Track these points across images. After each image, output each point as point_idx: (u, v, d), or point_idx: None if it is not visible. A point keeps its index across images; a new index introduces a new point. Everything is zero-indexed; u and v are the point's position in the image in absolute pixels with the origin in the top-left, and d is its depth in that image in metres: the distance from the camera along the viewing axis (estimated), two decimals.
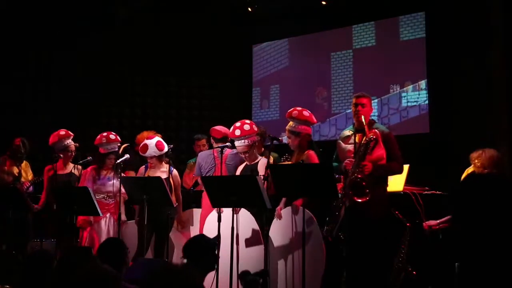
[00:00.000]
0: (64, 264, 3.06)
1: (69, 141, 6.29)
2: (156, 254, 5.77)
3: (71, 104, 8.86)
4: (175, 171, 6.01)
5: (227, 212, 5.17)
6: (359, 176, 4.49)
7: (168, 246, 5.68)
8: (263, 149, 6.10)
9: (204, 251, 3.65)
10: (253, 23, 9.18)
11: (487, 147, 5.11)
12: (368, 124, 4.70)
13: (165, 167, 5.90)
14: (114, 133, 6.14)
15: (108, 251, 3.60)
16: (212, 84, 9.44)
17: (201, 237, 4.09)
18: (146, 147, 5.85)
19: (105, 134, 6.08)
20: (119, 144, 6.19)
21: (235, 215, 5.02)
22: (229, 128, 5.71)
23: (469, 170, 5.12)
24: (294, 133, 5.29)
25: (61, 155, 6.28)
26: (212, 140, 6.06)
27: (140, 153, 5.92)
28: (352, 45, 8.48)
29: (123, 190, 5.75)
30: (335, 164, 4.94)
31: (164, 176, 5.70)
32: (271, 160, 5.60)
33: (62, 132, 6.29)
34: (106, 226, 5.88)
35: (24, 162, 6.98)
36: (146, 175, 5.88)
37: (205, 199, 5.79)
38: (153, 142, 5.86)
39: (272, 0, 8.78)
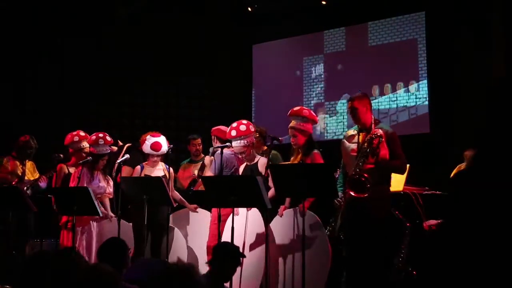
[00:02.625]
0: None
1: (85, 143, 6.31)
2: (153, 254, 5.77)
3: (71, 104, 8.86)
4: (171, 168, 6.05)
5: (242, 212, 5.24)
6: (359, 173, 4.45)
7: (168, 245, 5.68)
8: (265, 147, 6.09)
9: (228, 260, 3.59)
10: (253, 23, 9.18)
11: None
12: (371, 124, 4.64)
13: (160, 164, 5.99)
14: (108, 135, 6.15)
15: (109, 251, 3.59)
16: (212, 84, 9.43)
17: (229, 246, 3.94)
18: (160, 145, 5.88)
19: (101, 134, 6.06)
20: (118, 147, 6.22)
21: (234, 216, 5.02)
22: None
23: (461, 166, 5.12)
24: (301, 131, 5.27)
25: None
26: (216, 141, 5.97)
27: (154, 151, 5.89)
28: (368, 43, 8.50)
29: (109, 190, 6.04)
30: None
31: (162, 173, 5.85)
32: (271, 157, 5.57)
33: (82, 133, 6.29)
34: (94, 226, 5.94)
35: (30, 162, 6.97)
36: (143, 174, 5.90)
37: None
38: (164, 141, 5.92)
39: (272, 0, 8.79)
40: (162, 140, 5.93)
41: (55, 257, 3.18)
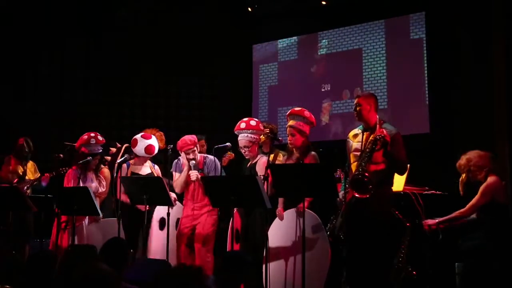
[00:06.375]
0: (67, 263, 3.06)
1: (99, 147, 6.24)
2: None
3: (71, 104, 8.87)
4: (156, 166, 6.07)
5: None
6: (362, 173, 4.45)
7: (168, 245, 5.68)
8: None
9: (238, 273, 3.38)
10: (253, 23, 9.18)
11: (469, 151, 5.08)
12: (375, 124, 4.61)
13: (148, 162, 5.99)
14: (100, 135, 6.10)
15: (110, 251, 3.58)
16: (212, 84, 9.43)
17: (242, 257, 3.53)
18: (154, 148, 5.86)
19: (92, 134, 5.99)
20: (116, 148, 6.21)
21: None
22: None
23: (463, 178, 5.10)
24: (300, 131, 5.27)
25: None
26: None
27: (148, 155, 5.86)
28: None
29: (101, 190, 5.97)
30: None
31: (148, 171, 5.89)
32: (280, 158, 5.54)
33: (100, 137, 6.09)
34: (86, 225, 5.91)
35: (31, 162, 7.02)
36: (129, 171, 5.90)
37: None
38: (156, 142, 5.91)
39: (272, 0, 8.79)
40: (155, 141, 5.90)
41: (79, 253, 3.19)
